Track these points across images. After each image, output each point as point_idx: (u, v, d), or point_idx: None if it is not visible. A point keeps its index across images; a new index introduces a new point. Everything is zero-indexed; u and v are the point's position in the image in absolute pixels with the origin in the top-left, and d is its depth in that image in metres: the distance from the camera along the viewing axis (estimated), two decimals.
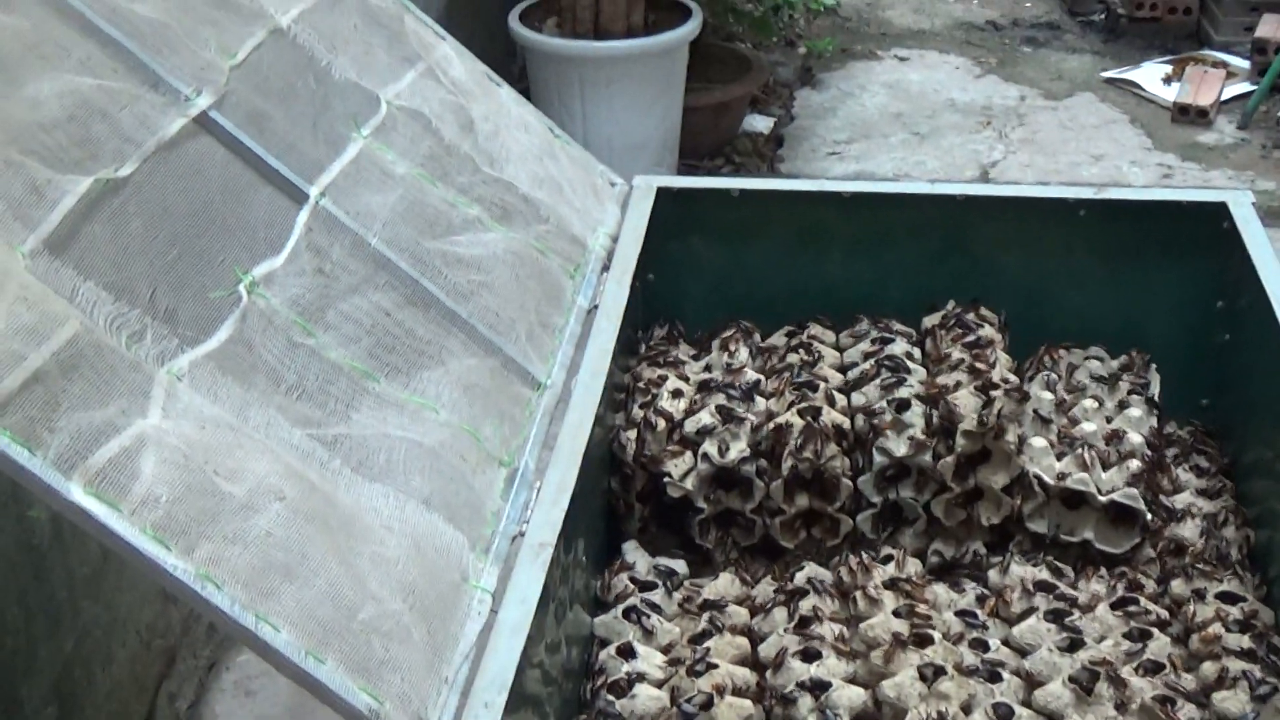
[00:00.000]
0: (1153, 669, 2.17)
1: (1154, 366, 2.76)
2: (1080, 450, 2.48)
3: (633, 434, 2.53)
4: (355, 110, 2.50)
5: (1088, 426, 2.54)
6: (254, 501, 1.75)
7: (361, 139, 2.46)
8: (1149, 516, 2.46)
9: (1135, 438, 2.54)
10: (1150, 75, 6.44)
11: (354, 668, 1.70)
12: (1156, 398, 2.69)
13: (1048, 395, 2.60)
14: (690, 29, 5.19)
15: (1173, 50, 6.71)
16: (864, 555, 2.42)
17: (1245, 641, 2.23)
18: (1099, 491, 2.44)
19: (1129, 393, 2.66)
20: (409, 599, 1.83)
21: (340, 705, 1.67)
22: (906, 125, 6.09)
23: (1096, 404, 2.61)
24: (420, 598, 1.85)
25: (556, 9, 5.31)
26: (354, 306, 2.18)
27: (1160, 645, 2.25)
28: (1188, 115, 6.05)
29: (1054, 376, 2.68)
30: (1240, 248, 2.70)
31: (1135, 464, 2.47)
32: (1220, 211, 2.78)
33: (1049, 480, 2.46)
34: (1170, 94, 6.22)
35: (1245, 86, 6.26)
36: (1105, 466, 2.48)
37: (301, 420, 1.95)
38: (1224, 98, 6.17)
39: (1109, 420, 2.59)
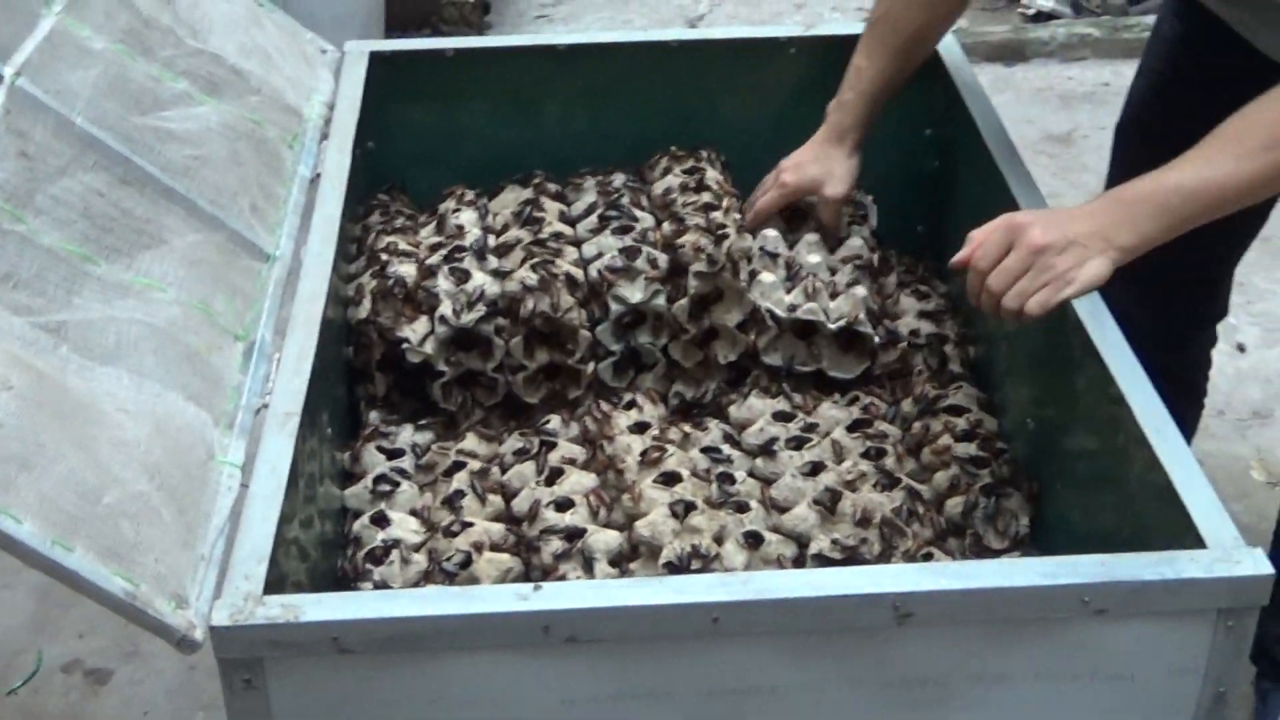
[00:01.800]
0: (889, 484, 2.27)
1: (870, 198, 2.84)
2: (807, 281, 2.54)
3: (367, 302, 2.50)
4: None
5: (813, 258, 2.60)
6: None
7: (53, 15, 2.33)
8: (876, 341, 2.55)
9: (858, 267, 2.62)
10: None
11: (104, 553, 1.65)
12: (875, 227, 2.78)
13: (773, 232, 2.66)
14: None
15: None
16: (606, 403, 2.45)
17: (973, 449, 2.34)
18: (828, 319, 2.51)
19: (849, 224, 2.73)
20: (155, 479, 1.78)
21: (95, 592, 1.62)
22: None
23: (819, 237, 2.68)
24: (166, 478, 1.81)
25: None
26: (64, 189, 2.09)
27: (895, 462, 2.35)
28: None
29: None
30: (945, 75, 2.79)
31: (860, 290, 2.55)
32: None
33: (780, 313, 2.52)
34: None
35: None
36: (833, 296, 2.55)
37: (20, 309, 1.86)
38: None
39: (832, 252, 2.66)
